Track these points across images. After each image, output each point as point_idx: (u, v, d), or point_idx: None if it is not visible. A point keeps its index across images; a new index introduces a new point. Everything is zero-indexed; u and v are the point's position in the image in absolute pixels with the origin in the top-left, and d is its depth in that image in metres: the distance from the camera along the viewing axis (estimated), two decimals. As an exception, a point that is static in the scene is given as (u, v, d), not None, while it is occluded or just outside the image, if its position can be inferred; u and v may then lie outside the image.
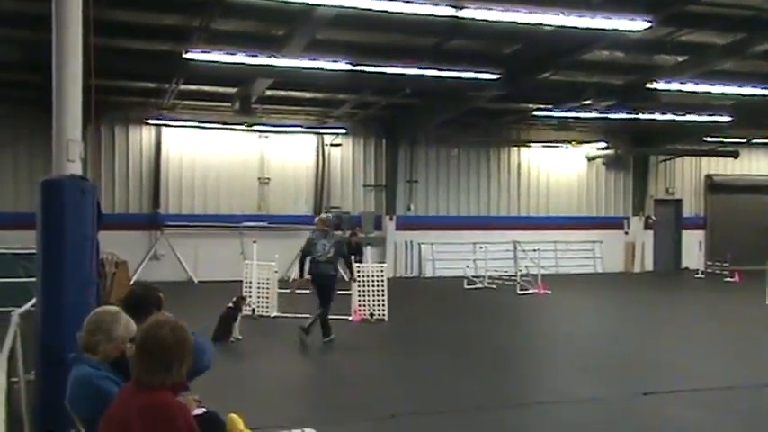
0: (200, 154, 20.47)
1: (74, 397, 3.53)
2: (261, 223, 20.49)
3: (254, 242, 14.58)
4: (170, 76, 15.95)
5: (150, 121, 19.69)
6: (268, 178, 21.14)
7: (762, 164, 25.85)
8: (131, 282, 17.05)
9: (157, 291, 4.51)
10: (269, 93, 17.61)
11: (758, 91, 15.27)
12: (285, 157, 21.26)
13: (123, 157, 19.96)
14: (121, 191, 19.90)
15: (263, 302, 13.60)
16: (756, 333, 12.57)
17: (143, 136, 20.11)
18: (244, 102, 17.53)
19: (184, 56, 12.12)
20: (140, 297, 4.42)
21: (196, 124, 19.88)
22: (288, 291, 12.65)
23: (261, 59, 12.54)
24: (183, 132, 20.13)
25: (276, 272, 14.00)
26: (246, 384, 8.43)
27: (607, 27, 10.30)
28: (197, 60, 12.32)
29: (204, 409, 3.92)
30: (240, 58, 12.37)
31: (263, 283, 13.68)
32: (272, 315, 13.48)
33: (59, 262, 5.28)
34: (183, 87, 17.07)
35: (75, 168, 5.53)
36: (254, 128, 20.25)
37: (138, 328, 3.45)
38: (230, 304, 11.32)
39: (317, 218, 12.22)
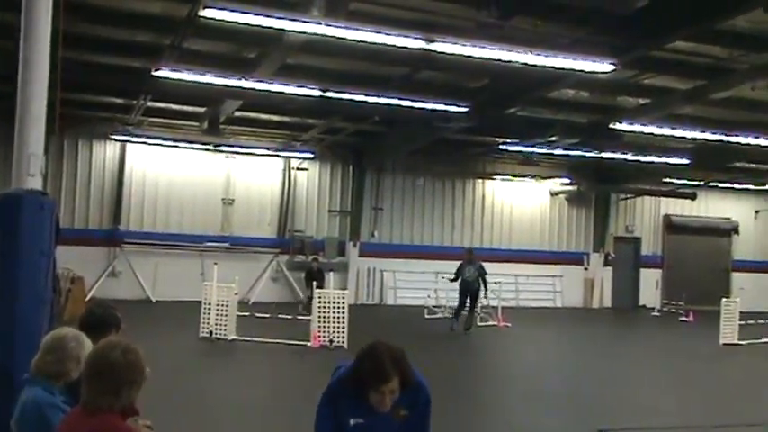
0: (165, 172, 20.28)
1: (20, 420, 3.43)
2: (223, 244, 20.33)
3: (215, 263, 14.42)
4: (138, 92, 15.83)
5: (115, 137, 19.42)
6: (232, 199, 21.01)
7: (718, 206, 26.48)
8: (87, 298, 16.70)
9: (116, 311, 4.42)
10: (237, 114, 17.58)
11: (716, 136, 15.69)
12: (251, 179, 21.18)
13: (86, 171, 19.68)
14: (82, 205, 19.58)
15: (221, 325, 13.41)
16: (710, 372, 12.80)
17: (107, 151, 19.88)
18: (212, 122, 17.46)
19: (154, 73, 12.02)
20: (99, 317, 4.31)
21: (162, 142, 19.66)
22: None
23: (231, 81, 12.53)
24: (148, 149, 19.91)
25: (236, 294, 13.85)
26: (199, 410, 8.28)
27: (573, 67, 10.55)
28: (166, 78, 12.23)
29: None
30: (210, 78, 12.33)
31: (222, 305, 13.52)
32: (230, 338, 13.30)
33: (14, 278, 5.15)
34: (150, 104, 16.92)
35: (36, 183, 5.42)
36: (221, 148, 20.14)
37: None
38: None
39: (464, 250, 18.05)
